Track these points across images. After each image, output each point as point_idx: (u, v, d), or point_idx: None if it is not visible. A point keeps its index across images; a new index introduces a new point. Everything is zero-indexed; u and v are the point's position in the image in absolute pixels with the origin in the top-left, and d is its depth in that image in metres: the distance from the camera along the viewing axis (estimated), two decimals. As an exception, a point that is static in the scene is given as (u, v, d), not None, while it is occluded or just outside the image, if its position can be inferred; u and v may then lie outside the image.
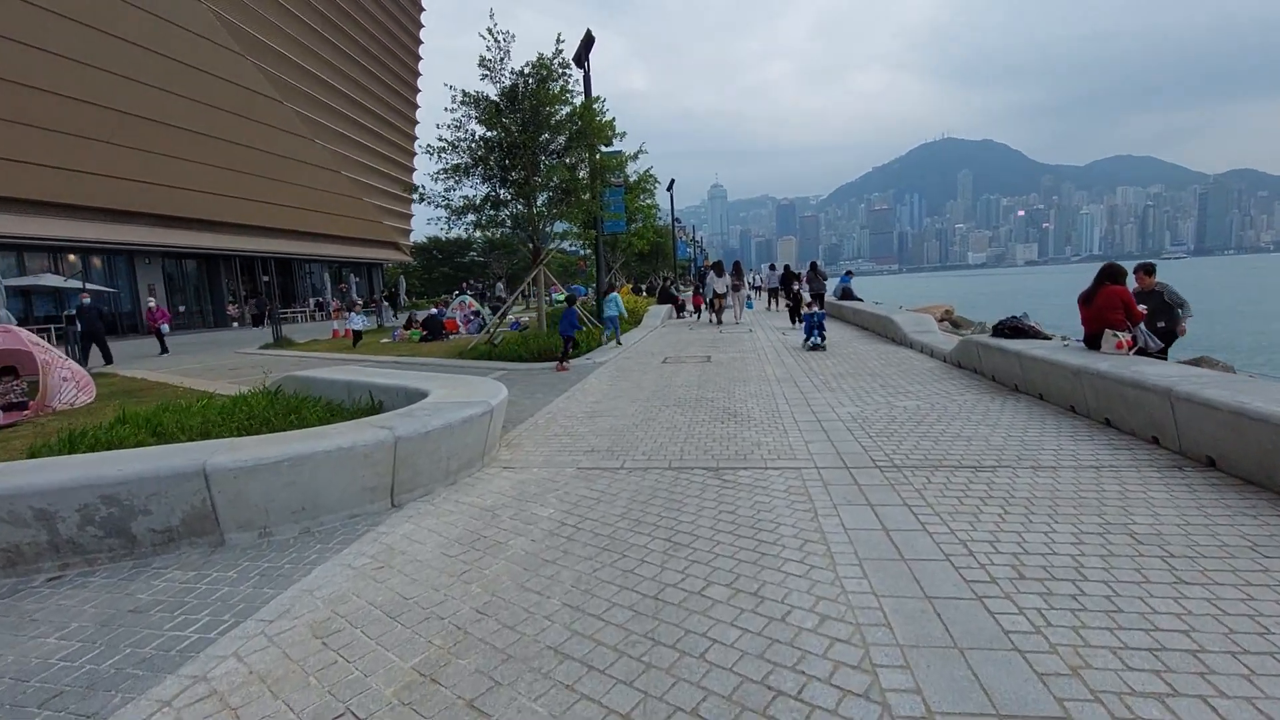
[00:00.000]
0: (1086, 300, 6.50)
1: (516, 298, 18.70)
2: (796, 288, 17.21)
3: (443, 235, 54.97)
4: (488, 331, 15.27)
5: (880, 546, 3.28)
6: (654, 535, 3.57)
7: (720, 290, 17.81)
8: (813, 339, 11.29)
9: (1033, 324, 7.75)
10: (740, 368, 9.84)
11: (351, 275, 47.23)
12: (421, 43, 59.11)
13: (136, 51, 29.20)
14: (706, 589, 2.91)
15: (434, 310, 19.03)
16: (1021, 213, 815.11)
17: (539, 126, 12.80)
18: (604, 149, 14.42)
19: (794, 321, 15.93)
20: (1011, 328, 7.73)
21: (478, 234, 14.79)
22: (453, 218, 13.25)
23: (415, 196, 13.12)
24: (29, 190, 25.97)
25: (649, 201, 25.64)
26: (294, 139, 40.27)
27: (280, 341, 19.04)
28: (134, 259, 31.73)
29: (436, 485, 4.50)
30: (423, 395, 5.69)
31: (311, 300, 42.46)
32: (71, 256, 29.01)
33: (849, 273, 20.31)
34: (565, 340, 10.87)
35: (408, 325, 18.91)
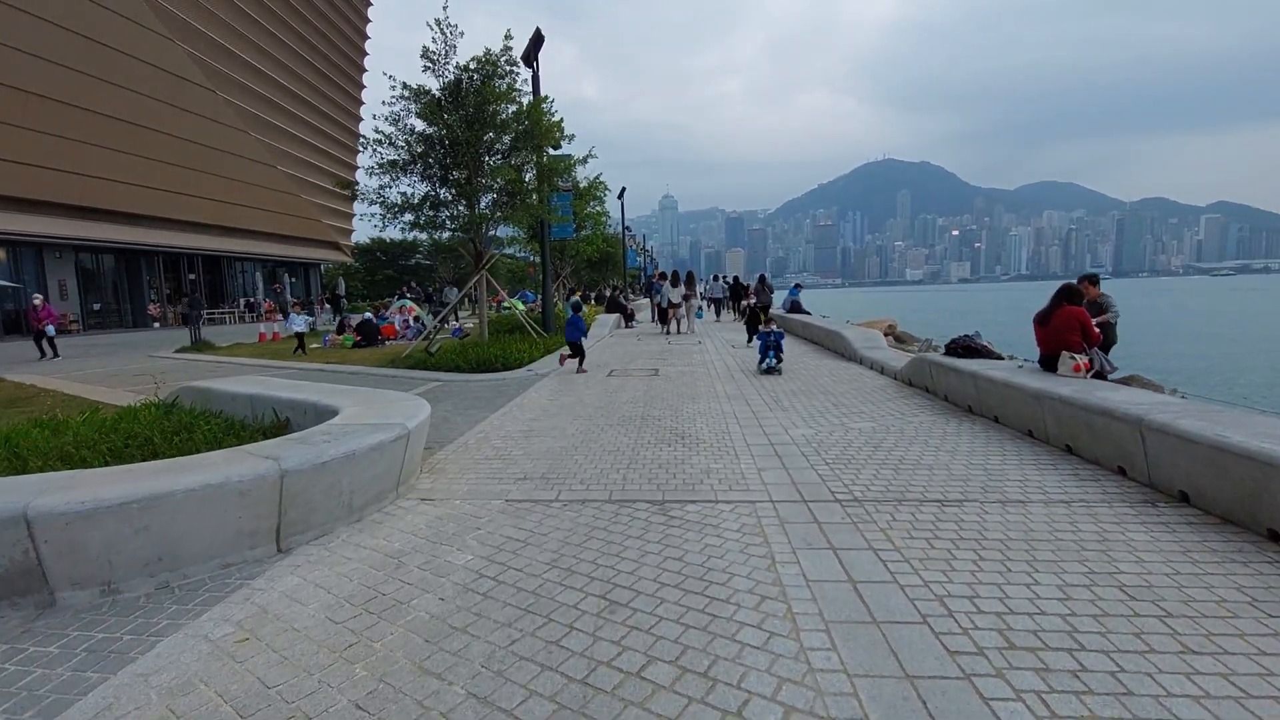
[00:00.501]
0: (1043, 320, 6.33)
1: (460, 303, 17.87)
2: (752, 301, 16.88)
3: (384, 236, 52.92)
4: (425, 338, 14.46)
5: (848, 605, 2.84)
6: (587, 591, 3.04)
7: (675, 300, 17.80)
8: (768, 361, 10.19)
9: (985, 343, 7.59)
10: (689, 383, 9.41)
11: (286, 275, 45.04)
12: (368, 37, 57.23)
13: (47, 28, 27.01)
14: (647, 668, 2.39)
15: (369, 315, 17.99)
16: (956, 232, 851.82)
17: (483, 124, 12.17)
18: (552, 151, 13.86)
19: (751, 337, 15.35)
20: (964, 346, 7.55)
21: (418, 235, 14.00)
22: (388, 216, 12.45)
23: (348, 193, 12.25)
24: (-86, 173, 23.65)
25: (599, 208, 25.16)
26: (225, 130, 38.15)
27: (199, 345, 17.68)
28: (43, 252, 29.27)
29: (337, 524, 3.85)
30: (333, 413, 5.02)
31: (241, 300, 40.15)
32: (-31, 248, 26.56)
33: (797, 285, 20.26)
34: (574, 345, 10.91)
35: (340, 330, 17.83)
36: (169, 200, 34.93)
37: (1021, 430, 5.88)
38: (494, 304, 15.80)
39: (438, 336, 13.82)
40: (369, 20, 57.38)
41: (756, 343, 11.86)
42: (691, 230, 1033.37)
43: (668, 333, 17.86)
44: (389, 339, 17.94)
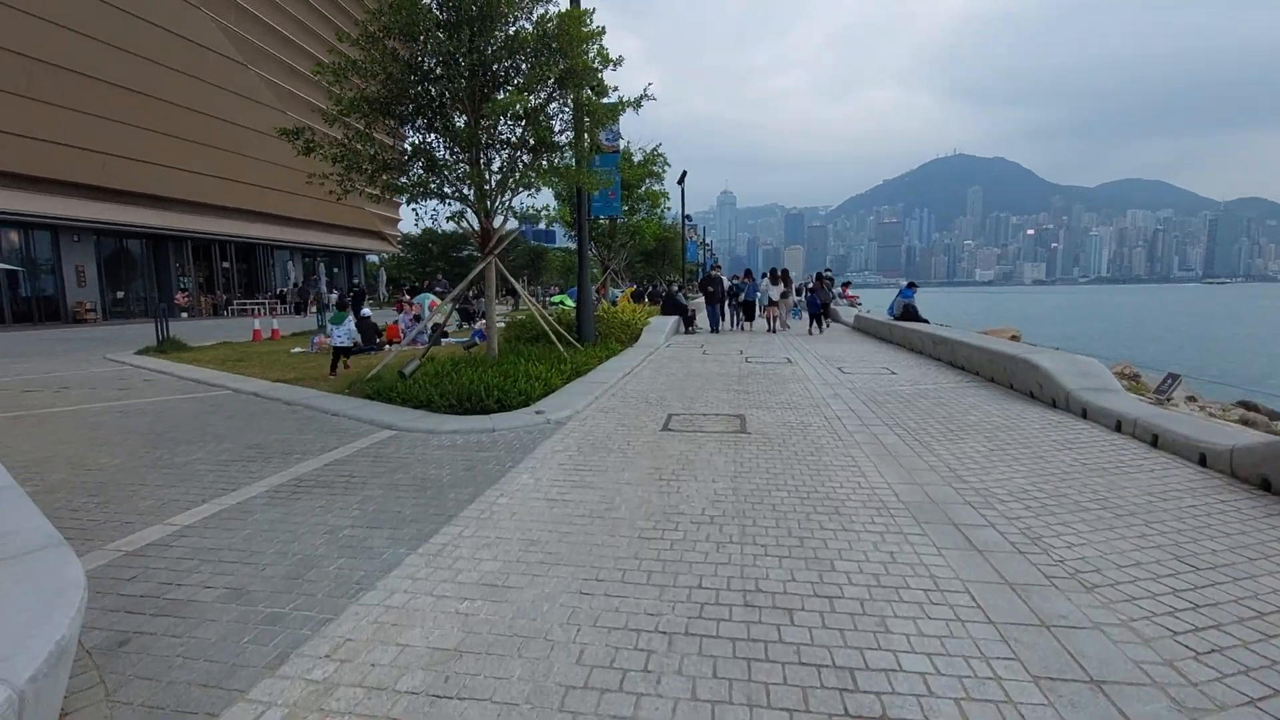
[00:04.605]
0: None
1: (465, 296, 14.11)
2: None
3: (436, 226, 50.49)
4: (430, 342, 10.79)
5: None
6: None
7: (775, 298, 16.85)
8: None
9: None
10: (811, 455, 5.24)
11: (323, 265, 42.74)
12: (418, 18, 54.60)
13: (56, -10, 24.78)
14: None
15: (367, 312, 14.45)
16: (1031, 232, 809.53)
17: (490, 43, 8.28)
18: (591, 93, 9.80)
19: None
20: None
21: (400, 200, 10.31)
22: (346, 179, 8.73)
23: (298, 143, 8.57)
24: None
25: (656, 188, 21.04)
26: (260, 108, 35.82)
27: (165, 345, 14.53)
28: (59, 235, 27.22)
29: None
30: None
31: (274, 291, 37.90)
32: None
33: (911, 285, 15.55)
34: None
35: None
36: (200, 183, 32.78)
37: None
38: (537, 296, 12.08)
39: (412, 356, 10.04)
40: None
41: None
42: (749, 227, 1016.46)
43: (770, 330, 16.85)
44: (391, 342, 14.44)
